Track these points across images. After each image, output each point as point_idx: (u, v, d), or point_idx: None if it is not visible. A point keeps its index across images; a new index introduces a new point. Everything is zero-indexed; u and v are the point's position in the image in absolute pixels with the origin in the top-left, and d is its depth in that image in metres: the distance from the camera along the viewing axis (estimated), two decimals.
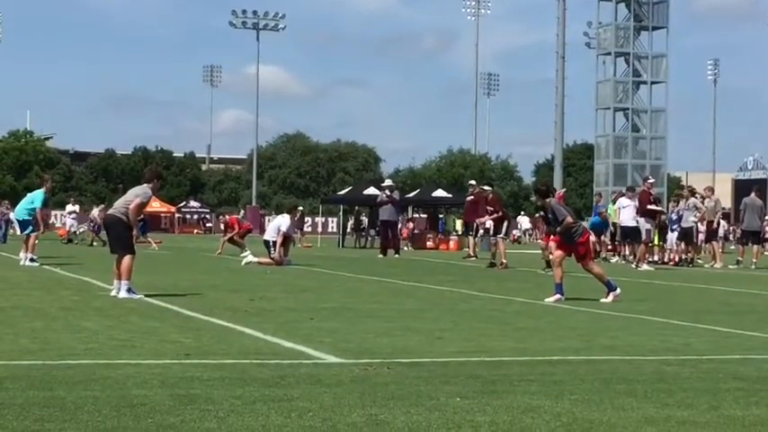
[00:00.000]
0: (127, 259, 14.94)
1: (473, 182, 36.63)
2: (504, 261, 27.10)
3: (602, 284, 16.38)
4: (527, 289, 18.83)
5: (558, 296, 15.98)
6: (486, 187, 30.87)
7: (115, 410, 6.36)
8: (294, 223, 28.96)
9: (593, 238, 18.61)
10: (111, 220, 15.43)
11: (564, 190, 39.58)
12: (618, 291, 16.25)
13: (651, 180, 31.46)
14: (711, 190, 32.92)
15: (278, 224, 27.08)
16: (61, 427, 5.86)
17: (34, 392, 6.92)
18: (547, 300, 15.84)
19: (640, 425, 6.32)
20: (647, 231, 29.39)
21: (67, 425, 5.93)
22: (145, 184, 15.61)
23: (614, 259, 33.11)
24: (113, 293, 14.91)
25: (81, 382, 7.36)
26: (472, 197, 34.23)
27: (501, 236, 28.06)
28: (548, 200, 16.81)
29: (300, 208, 58.25)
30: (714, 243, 31.58)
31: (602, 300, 15.88)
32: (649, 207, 29.68)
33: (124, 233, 15.26)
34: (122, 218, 15.23)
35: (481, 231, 31.97)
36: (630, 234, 32.73)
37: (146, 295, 14.89)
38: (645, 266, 28.03)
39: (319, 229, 63.60)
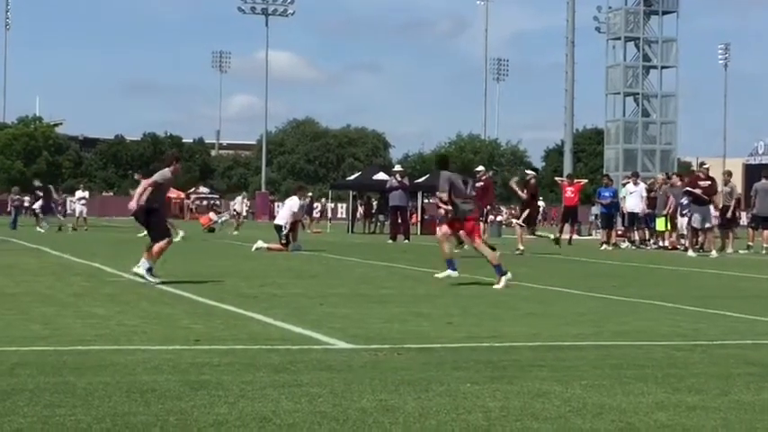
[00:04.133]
0: (162, 243, 15.09)
1: (482, 167, 36.56)
2: (521, 248, 26.98)
3: (494, 267, 15.73)
4: (536, 274, 18.81)
5: (449, 272, 15.80)
6: (529, 171, 30.92)
7: (126, 396, 6.37)
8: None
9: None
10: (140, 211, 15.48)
11: (585, 181, 39.13)
12: (509, 275, 15.54)
13: (706, 165, 29.96)
14: (729, 174, 32.60)
15: (290, 206, 27.03)
16: (72, 413, 5.87)
17: (45, 378, 6.94)
18: (437, 275, 15.75)
19: (651, 410, 6.31)
20: (693, 218, 27.89)
21: (78, 410, 5.94)
22: (165, 169, 15.68)
23: (624, 245, 33.05)
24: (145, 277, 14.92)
25: (92, 368, 7.38)
26: (482, 183, 34.17)
27: (519, 222, 28.05)
28: (444, 172, 16.19)
29: (310, 194, 58.31)
30: (729, 230, 31.24)
31: (495, 286, 15.33)
32: (686, 189, 28.71)
33: (155, 220, 15.38)
34: (149, 205, 15.32)
35: (491, 217, 31.96)
36: (638, 220, 32.69)
37: (156, 281, 14.88)
38: (714, 253, 27.35)
39: (329, 215, 63.60)
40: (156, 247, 15.04)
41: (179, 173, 16.16)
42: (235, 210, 48.02)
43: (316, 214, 56.83)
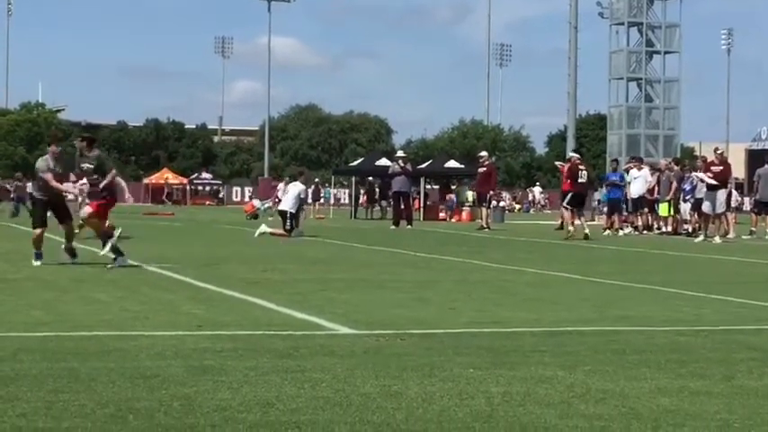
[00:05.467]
0: (68, 225, 15.94)
1: (484, 153, 36.55)
2: (571, 229, 26.99)
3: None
4: (538, 260, 18.81)
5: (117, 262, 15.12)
6: (572, 153, 31.01)
7: (129, 382, 6.38)
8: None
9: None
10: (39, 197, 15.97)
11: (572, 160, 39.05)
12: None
13: (720, 150, 29.49)
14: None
15: (297, 192, 26.93)
16: (75, 398, 5.87)
17: (48, 364, 6.94)
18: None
19: (654, 395, 6.31)
20: (703, 203, 27.58)
21: (82, 396, 5.95)
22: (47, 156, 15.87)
23: (627, 230, 33.01)
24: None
25: (95, 354, 7.38)
26: (485, 168, 34.21)
27: (564, 204, 28.46)
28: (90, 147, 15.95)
29: (317, 180, 58.22)
30: (728, 213, 31.11)
31: (100, 252, 15.71)
32: (698, 174, 28.46)
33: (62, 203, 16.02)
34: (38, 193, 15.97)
35: (494, 203, 31.99)
36: (641, 205, 32.62)
37: (158, 267, 14.92)
38: (717, 239, 27.13)
39: (331, 201, 63.60)
40: (71, 230, 15.97)
41: (57, 155, 15.83)
42: (277, 197, 47.72)
43: (322, 201, 56.72)
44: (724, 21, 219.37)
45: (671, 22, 73.95)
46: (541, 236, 29.07)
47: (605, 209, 36.28)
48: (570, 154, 31.35)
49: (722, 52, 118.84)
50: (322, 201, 57.36)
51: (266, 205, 46.64)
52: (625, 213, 34.78)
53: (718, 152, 28.65)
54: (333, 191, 65.97)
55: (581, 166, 28.77)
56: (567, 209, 28.36)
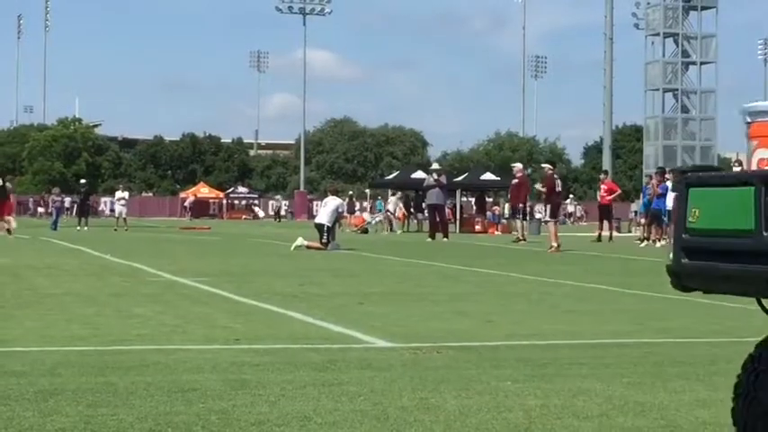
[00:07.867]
0: None
1: (518, 164, 36.43)
2: (554, 244, 26.81)
3: None
4: (576, 272, 18.73)
5: None
6: (545, 165, 30.56)
7: (167, 395, 6.40)
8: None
9: None
10: None
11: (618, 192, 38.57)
12: None
13: (735, 160, 29.61)
14: (740, 164, 32.52)
15: (336, 206, 27.10)
16: (114, 413, 5.89)
17: (87, 378, 6.97)
18: None
19: (693, 407, 6.27)
20: None
21: (120, 410, 5.97)
22: None
23: (663, 242, 32.79)
24: None
25: (133, 368, 7.41)
26: (517, 179, 34.15)
27: (551, 219, 27.97)
28: None
29: (351, 192, 58.28)
30: None
31: None
32: None
33: None
34: None
35: (534, 215, 32.05)
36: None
37: (195, 281, 14.97)
38: None
39: (397, 213, 63.54)
40: None
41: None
42: (388, 210, 47.80)
43: (357, 213, 56.78)
44: (760, 31, 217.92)
45: (707, 33, 73.52)
46: (578, 248, 28.94)
47: (642, 220, 36.15)
48: (543, 165, 31.08)
49: (759, 62, 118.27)
50: (358, 213, 57.35)
51: (377, 219, 46.68)
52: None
53: (735, 162, 28.92)
54: (368, 204, 65.88)
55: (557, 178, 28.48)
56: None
